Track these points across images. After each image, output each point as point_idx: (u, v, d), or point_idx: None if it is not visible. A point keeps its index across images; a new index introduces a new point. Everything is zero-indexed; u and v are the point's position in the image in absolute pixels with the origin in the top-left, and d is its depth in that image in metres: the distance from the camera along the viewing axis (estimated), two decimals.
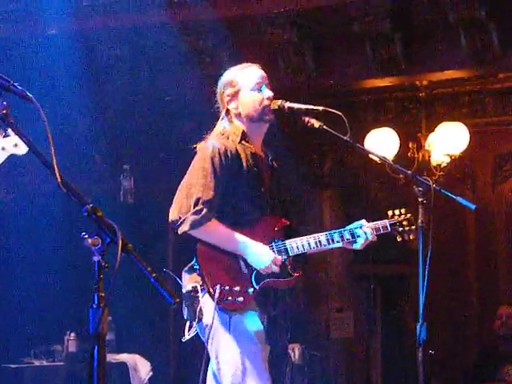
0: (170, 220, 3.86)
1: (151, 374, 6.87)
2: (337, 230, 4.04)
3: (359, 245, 4.05)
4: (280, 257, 3.93)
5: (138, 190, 7.87)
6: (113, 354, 6.70)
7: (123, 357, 6.80)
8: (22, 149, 2.60)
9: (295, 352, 7.11)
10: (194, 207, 3.80)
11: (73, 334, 6.85)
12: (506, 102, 8.32)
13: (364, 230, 4.02)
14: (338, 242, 4.02)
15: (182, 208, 3.83)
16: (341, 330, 8.75)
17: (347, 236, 4.03)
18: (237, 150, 3.95)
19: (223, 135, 4.01)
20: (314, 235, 4.00)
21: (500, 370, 7.27)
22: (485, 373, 7.42)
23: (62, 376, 6.67)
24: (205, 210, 3.80)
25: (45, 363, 6.80)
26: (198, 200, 3.81)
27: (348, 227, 4.05)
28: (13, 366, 6.69)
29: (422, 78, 7.58)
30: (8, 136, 2.59)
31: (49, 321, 7.09)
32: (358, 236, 4.02)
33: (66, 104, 7.28)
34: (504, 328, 7.49)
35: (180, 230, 3.82)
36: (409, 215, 4.13)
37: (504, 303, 7.94)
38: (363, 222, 4.06)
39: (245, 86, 4.04)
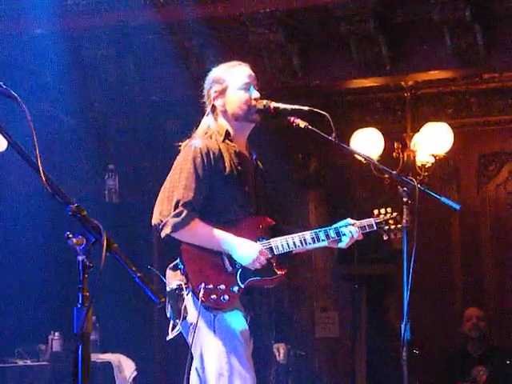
0: (152, 224, 3.86)
1: (135, 373, 6.85)
2: (322, 229, 4.03)
3: (344, 243, 4.05)
4: (265, 248, 3.92)
5: (122, 189, 7.85)
6: (97, 354, 6.67)
7: (107, 356, 6.77)
8: (2, 146, 2.58)
9: (280, 352, 7.10)
10: (174, 210, 3.80)
11: (57, 334, 6.82)
12: (490, 103, 8.35)
13: (349, 229, 4.02)
14: (323, 240, 4.01)
15: (163, 211, 3.83)
16: (326, 329, 8.77)
17: (333, 234, 4.02)
18: (220, 149, 3.94)
19: (206, 134, 4.00)
20: (299, 234, 3.99)
21: (471, 371, 7.30)
22: (456, 374, 7.44)
23: (47, 376, 6.63)
24: (185, 212, 3.79)
25: (29, 363, 6.75)
26: (177, 202, 3.81)
27: (334, 226, 4.05)
28: None
29: (407, 78, 7.59)
30: None
31: (33, 320, 7.06)
32: (344, 234, 4.02)
33: (51, 103, 7.26)
34: (474, 329, 7.50)
35: (163, 234, 3.82)
36: (395, 214, 4.13)
37: (488, 302, 7.96)
38: (349, 220, 4.06)
39: (233, 84, 4.03)
